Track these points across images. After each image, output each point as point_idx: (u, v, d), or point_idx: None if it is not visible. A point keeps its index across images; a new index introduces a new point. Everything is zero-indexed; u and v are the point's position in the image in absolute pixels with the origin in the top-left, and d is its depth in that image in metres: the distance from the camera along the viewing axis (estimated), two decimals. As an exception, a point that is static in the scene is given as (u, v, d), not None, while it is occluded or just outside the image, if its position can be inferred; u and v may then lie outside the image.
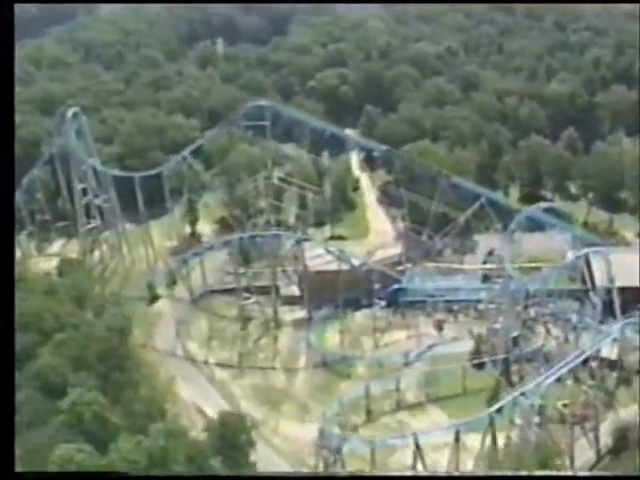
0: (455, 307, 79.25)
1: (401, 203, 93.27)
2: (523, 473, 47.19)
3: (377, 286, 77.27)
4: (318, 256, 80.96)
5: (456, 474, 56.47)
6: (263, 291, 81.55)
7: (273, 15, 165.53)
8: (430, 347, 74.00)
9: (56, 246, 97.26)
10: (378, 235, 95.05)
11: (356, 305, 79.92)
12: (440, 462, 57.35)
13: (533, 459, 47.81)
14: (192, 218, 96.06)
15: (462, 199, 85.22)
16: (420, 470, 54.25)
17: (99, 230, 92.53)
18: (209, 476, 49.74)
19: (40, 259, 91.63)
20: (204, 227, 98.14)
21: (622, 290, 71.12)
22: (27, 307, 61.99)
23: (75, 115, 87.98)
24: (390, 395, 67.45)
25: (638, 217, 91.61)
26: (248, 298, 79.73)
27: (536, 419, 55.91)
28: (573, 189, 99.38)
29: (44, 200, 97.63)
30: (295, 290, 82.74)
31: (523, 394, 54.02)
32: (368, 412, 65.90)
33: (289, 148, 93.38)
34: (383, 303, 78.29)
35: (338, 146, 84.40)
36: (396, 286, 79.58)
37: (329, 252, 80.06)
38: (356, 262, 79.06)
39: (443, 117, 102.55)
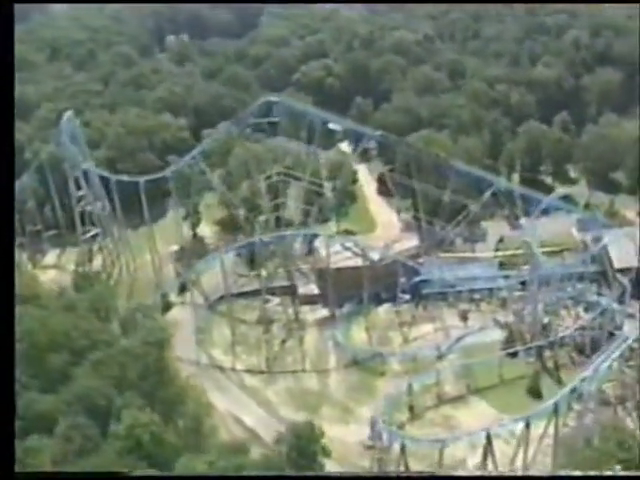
0: (477, 296, 79.07)
1: (403, 193, 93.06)
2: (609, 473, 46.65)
3: (402, 280, 76.39)
4: (335, 253, 79.49)
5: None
6: (280, 292, 79.86)
7: (241, 8, 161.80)
8: (460, 338, 73.67)
9: (50, 257, 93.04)
10: (385, 228, 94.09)
11: (377, 300, 78.92)
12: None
13: (608, 443, 47.77)
14: (194, 220, 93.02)
15: (469, 187, 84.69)
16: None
17: (98, 238, 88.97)
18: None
19: (38, 271, 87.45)
20: (204, 229, 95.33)
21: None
22: (53, 325, 58.65)
23: (68, 119, 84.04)
24: (429, 390, 66.90)
25: (638, 197, 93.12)
26: (268, 301, 77.70)
27: (591, 404, 56.15)
28: (573, 172, 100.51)
29: (35, 209, 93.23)
30: (314, 289, 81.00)
31: (583, 380, 54.03)
32: (411, 408, 65.14)
33: (292, 143, 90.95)
34: (407, 297, 77.49)
35: (354, 139, 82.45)
36: (418, 278, 78.88)
37: (347, 248, 78.82)
38: (375, 257, 78.11)
39: (440, 106, 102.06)
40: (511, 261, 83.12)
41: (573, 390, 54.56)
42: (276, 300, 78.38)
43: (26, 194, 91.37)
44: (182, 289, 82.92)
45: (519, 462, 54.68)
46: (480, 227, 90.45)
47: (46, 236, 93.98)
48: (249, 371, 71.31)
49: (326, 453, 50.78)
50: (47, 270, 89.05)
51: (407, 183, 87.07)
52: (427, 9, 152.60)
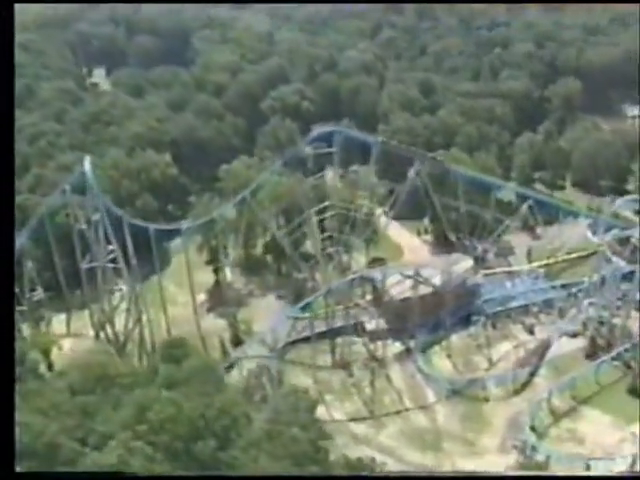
0: (535, 309, 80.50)
1: (419, 213, 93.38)
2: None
3: (478, 302, 76.20)
4: (397, 283, 77.61)
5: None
6: (347, 331, 76.26)
7: (163, 36, 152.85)
8: (541, 353, 74.54)
9: (58, 324, 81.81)
10: (412, 251, 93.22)
11: (447, 326, 77.62)
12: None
13: None
14: (219, 265, 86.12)
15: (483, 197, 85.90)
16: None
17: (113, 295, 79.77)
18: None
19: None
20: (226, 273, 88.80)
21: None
22: (188, 409, 51.17)
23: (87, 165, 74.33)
24: (539, 407, 66.95)
25: (638, 197, 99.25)
26: (345, 342, 73.96)
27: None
28: (571, 178, 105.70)
29: (35, 273, 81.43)
30: (381, 323, 77.98)
31: None
32: (532, 428, 64.77)
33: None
34: (483, 318, 77.26)
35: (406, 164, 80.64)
36: (483, 298, 78.99)
37: (409, 277, 76.95)
38: (438, 282, 77.14)
39: (436, 123, 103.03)
40: (551, 271, 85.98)
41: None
42: (351, 340, 74.64)
43: (25, 256, 79.56)
44: (236, 342, 76.65)
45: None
46: (503, 240, 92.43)
47: (46, 300, 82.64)
48: (353, 420, 67.20)
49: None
50: (63, 339, 78.45)
51: (427, 202, 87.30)
52: (357, 27, 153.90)
